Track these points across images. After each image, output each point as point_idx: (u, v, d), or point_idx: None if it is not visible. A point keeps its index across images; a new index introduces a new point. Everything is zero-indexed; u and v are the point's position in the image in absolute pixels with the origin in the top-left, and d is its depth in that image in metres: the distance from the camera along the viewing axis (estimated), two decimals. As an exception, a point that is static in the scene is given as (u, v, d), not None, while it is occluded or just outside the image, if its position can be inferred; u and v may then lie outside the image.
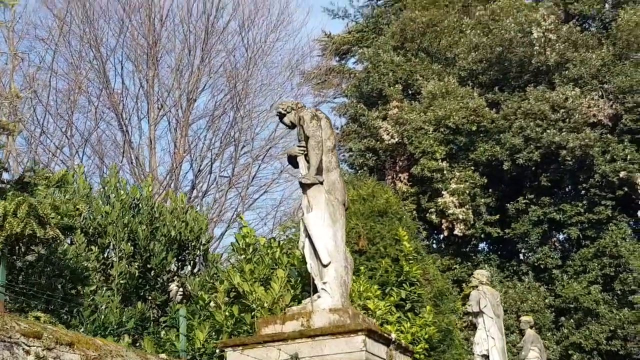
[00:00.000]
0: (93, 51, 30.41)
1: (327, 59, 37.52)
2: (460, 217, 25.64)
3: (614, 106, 26.11)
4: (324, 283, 9.85)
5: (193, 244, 12.71)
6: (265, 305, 10.91)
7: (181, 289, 12.74)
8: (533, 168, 26.66)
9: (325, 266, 9.88)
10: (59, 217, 6.02)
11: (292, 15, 32.71)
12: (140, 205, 12.54)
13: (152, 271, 12.15)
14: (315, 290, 9.93)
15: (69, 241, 10.14)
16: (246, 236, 12.29)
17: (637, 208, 25.68)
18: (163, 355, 7.25)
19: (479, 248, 28.46)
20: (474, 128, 26.40)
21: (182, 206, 12.83)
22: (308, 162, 10.41)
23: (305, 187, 10.22)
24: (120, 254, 11.15)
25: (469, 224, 26.00)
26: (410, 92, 29.29)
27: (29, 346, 5.32)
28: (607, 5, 30.73)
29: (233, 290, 11.54)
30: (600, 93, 26.38)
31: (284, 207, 31.88)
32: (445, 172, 26.07)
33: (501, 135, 26.54)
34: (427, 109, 26.90)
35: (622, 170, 25.23)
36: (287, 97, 33.08)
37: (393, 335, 9.83)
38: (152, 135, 30.08)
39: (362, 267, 13.20)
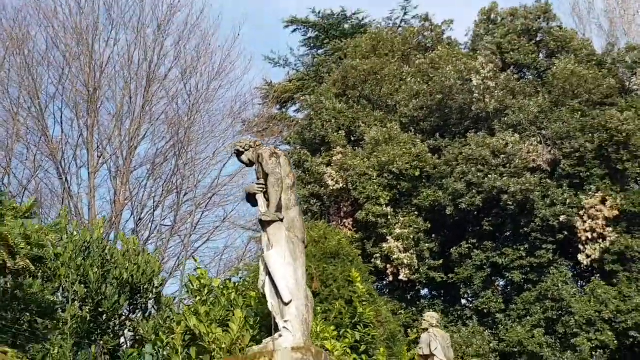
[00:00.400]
0: (32, 99, 29.90)
1: (268, 107, 37.64)
2: (405, 262, 25.75)
3: (552, 152, 26.72)
4: (286, 321, 9.73)
5: (145, 287, 12.43)
6: (224, 346, 10.70)
7: (132, 334, 12.42)
8: (475, 213, 27.00)
9: (286, 304, 9.76)
10: (29, 247, 5.79)
11: (234, 63, 32.57)
12: (90, 247, 12.24)
13: (104, 315, 11.82)
14: (277, 329, 9.79)
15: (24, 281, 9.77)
16: (201, 277, 12.10)
17: (577, 251, 26.09)
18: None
19: (423, 293, 28.59)
20: (417, 173, 26.70)
21: (134, 248, 12.57)
22: (267, 200, 10.35)
23: (265, 224, 10.14)
24: (72, 297, 10.84)
25: (413, 269, 26.13)
26: (353, 138, 29.52)
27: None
28: (541, 55, 31.65)
29: (188, 332, 11.29)
30: (538, 139, 26.99)
31: (227, 255, 31.57)
32: (389, 217, 26.22)
33: (443, 180, 26.88)
34: (370, 155, 27.13)
35: (562, 214, 25.72)
36: (228, 144, 33.01)
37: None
38: (92, 183, 29.54)
39: (317, 308, 13.08)
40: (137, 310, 12.69)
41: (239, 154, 10.71)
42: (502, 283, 28.05)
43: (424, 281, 27.29)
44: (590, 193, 26.00)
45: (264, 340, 10.01)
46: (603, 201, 25.73)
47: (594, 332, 25.19)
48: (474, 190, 26.16)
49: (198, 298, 11.80)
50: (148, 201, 30.43)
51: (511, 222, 26.88)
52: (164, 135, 31.75)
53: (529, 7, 31.43)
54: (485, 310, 26.73)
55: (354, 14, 39.20)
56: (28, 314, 7.68)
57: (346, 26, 38.92)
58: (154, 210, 30.29)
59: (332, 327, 12.53)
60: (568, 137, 26.39)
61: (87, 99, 30.52)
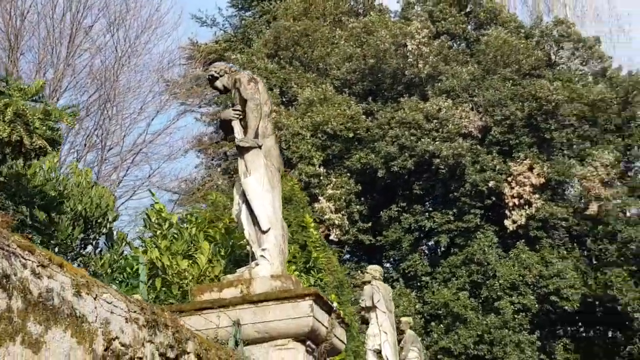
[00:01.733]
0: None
1: (193, 67, 36.89)
2: (337, 222, 25.71)
3: (483, 118, 27.09)
4: (263, 250, 9.41)
5: (99, 221, 11.88)
6: (190, 278, 10.35)
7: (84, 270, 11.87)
8: (406, 176, 27.16)
9: (264, 232, 9.44)
10: (44, 128, 5.33)
11: (162, 17, 31.72)
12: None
13: (57, 247, 11.23)
14: (253, 258, 9.49)
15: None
16: (161, 211, 11.67)
17: (503, 217, 26.60)
18: (137, 296, 6.64)
19: (351, 255, 28.65)
20: (351, 135, 26.63)
21: (87, 181, 11.99)
22: (243, 127, 10.02)
23: (242, 150, 9.78)
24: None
25: (344, 229, 26.11)
26: (284, 99, 29.23)
27: (25, 259, 4.68)
28: (469, 27, 32.01)
29: (150, 266, 10.87)
30: (470, 105, 27.31)
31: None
32: (322, 177, 26.10)
33: (376, 143, 26.91)
34: (304, 115, 26.91)
35: (491, 180, 26.15)
36: (154, 101, 32.26)
37: (335, 304, 9.54)
38: (11, 134, 28.31)
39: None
40: (89, 246, 12.12)
41: (212, 79, 10.27)
42: (429, 246, 28.38)
43: (352, 243, 27.33)
44: (518, 160, 26.51)
45: (238, 270, 9.69)
46: (530, 168, 26.30)
47: (517, 295, 25.79)
48: (406, 154, 26.30)
49: (159, 232, 11.37)
50: (69, 156, 29.42)
51: (441, 186, 27.18)
52: (88, 88, 30.71)
53: (459, -23, 31.74)
54: (412, 273, 27.00)
55: (284, -23, 38.64)
56: (26, 207, 7.16)
57: (276, -12, 38.32)
58: (76, 165, 29.29)
59: (293, 268, 12.31)
60: (499, 104, 26.81)
61: (7, 47, 29.19)
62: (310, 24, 30.96)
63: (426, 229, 27.06)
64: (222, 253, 10.54)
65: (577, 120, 27.81)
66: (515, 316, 25.66)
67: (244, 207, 9.67)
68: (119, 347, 5.53)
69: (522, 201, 26.15)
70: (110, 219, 12.26)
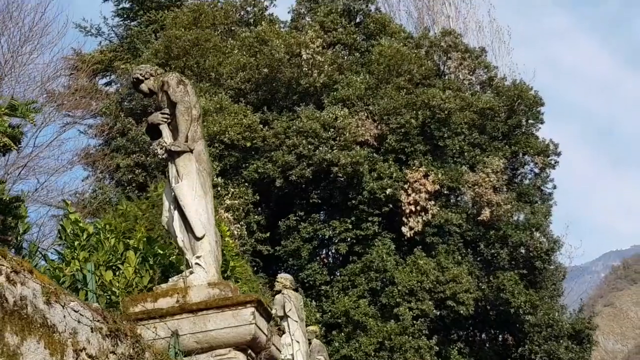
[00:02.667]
0: None
1: (77, 78, 35.72)
2: (235, 233, 25.34)
3: (379, 127, 27.39)
4: (198, 257, 9.13)
5: (8, 233, 11.21)
6: (114, 289, 9.88)
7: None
8: (304, 185, 27.11)
9: (199, 239, 9.17)
10: (5, 125, 4.87)
11: (49, 25, 30.49)
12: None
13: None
14: (188, 266, 9.18)
15: None
16: (78, 221, 11.12)
17: (401, 224, 26.92)
18: (96, 305, 6.24)
19: (250, 265, 28.28)
20: (248, 144, 26.38)
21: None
22: (172, 130, 9.74)
23: (174, 155, 9.53)
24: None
25: (243, 240, 25.79)
26: (178, 109, 28.61)
27: None
28: (358, 38, 32.36)
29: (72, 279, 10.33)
30: (366, 114, 27.56)
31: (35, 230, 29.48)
32: (219, 188, 25.68)
33: (273, 153, 26.76)
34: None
35: (388, 187, 26.44)
36: (40, 113, 30.98)
37: (274, 311, 9.34)
38: None
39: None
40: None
41: (137, 82, 9.94)
42: (328, 254, 28.41)
43: (251, 253, 26.99)
44: (414, 168, 26.91)
45: (171, 279, 9.36)
46: (426, 175, 26.74)
47: (415, 301, 26.11)
48: (304, 163, 26.28)
49: (77, 243, 10.82)
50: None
51: (339, 194, 27.24)
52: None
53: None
54: (311, 282, 26.94)
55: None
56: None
57: (162, -3, 37.63)
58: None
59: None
60: (394, 113, 27.17)
61: None
62: (202, 33, 30.53)
63: (325, 238, 27.08)
64: (151, 262, 10.12)
65: (468, 128, 28.55)
66: (414, 322, 25.97)
67: (175, 213, 9.34)
68: (86, 359, 5.16)
69: (418, 208, 26.55)
70: (21, 231, 11.62)
